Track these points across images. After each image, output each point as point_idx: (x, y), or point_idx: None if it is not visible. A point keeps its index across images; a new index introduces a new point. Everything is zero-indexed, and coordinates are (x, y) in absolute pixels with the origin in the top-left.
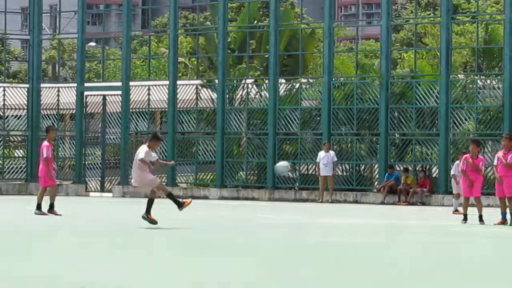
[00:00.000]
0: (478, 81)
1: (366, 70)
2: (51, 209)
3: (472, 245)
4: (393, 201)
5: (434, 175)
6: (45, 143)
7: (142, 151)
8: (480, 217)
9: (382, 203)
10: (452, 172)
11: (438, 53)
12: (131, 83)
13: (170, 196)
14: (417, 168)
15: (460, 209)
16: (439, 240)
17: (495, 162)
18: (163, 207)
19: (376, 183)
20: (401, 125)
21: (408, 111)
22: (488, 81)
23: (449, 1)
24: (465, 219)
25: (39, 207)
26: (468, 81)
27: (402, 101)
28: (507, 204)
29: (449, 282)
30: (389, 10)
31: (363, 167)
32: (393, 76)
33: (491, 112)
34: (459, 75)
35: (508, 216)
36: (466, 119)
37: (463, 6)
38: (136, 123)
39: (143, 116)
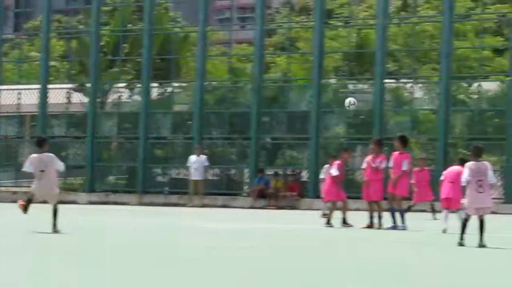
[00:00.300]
0: (350, 85)
1: (239, 74)
2: None
3: (329, 248)
4: (263, 205)
5: (304, 179)
6: None
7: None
8: (343, 220)
9: (252, 207)
10: (321, 176)
11: (311, 58)
12: (1, 87)
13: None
14: (287, 172)
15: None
16: (301, 245)
17: (363, 166)
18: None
19: (246, 187)
20: (272, 129)
21: (279, 115)
22: (360, 86)
23: (322, 6)
24: (329, 223)
25: None
26: (340, 85)
27: (274, 105)
28: (375, 207)
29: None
30: (263, 14)
31: (233, 171)
32: (265, 80)
33: (362, 117)
34: (330, 80)
35: (375, 220)
36: (337, 123)
37: (336, 11)
38: (5, 127)
39: (13, 120)
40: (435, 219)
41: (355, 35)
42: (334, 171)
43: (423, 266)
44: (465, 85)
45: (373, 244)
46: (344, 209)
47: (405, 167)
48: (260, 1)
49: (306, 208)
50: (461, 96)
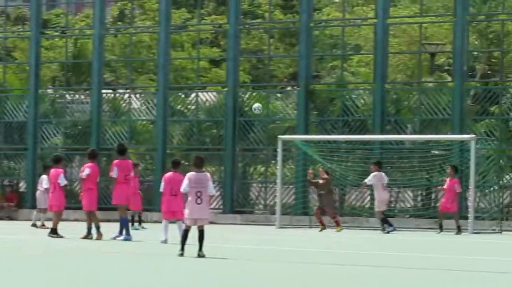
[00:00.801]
0: (67, 95)
1: None
2: None
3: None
4: None
5: (22, 190)
6: None
7: None
8: (53, 230)
9: None
10: (45, 186)
11: (27, 67)
12: None
13: None
14: (4, 183)
15: (46, 223)
16: (21, 255)
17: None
18: None
19: None
20: None
21: None
22: (77, 96)
23: (38, 16)
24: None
25: None
26: (57, 95)
27: None
28: (92, 218)
29: None
30: None
31: None
32: None
33: (80, 127)
34: (48, 90)
35: (93, 231)
36: (54, 134)
37: (53, 20)
38: None
39: None
40: (143, 228)
41: (71, 45)
42: (62, 181)
43: (142, 277)
44: (183, 95)
45: (103, 256)
46: (57, 219)
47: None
48: None
49: (25, 219)
50: (179, 107)
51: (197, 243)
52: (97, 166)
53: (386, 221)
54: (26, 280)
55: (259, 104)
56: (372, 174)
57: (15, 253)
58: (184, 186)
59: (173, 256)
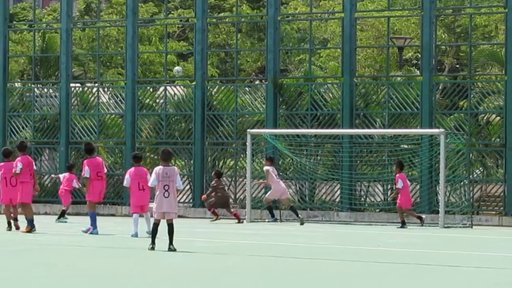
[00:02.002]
0: (36, 89)
1: None
2: None
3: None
4: None
5: None
6: None
7: None
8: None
9: None
10: None
11: None
12: None
13: None
14: None
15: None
16: None
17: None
18: None
19: None
20: None
21: None
22: (45, 90)
23: (6, 9)
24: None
25: None
26: (25, 89)
27: None
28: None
29: None
30: None
31: None
32: None
33: (48, 121)
34: (16, 83)
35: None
36: (23, 127)
37: (20, 14)
38: None
39: None
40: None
41: (39, 39)
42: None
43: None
44: (151, 89)
45: (75, 251)
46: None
47: (87, 174)
48: None
49: None
50: (148, 101)
51: (167, 237)
52: (29, 157)
53: (271, 211)
54: None
55: (179, 68)
56: (265, 168)
57: None
58: (152, 180)
59: (144, 250)
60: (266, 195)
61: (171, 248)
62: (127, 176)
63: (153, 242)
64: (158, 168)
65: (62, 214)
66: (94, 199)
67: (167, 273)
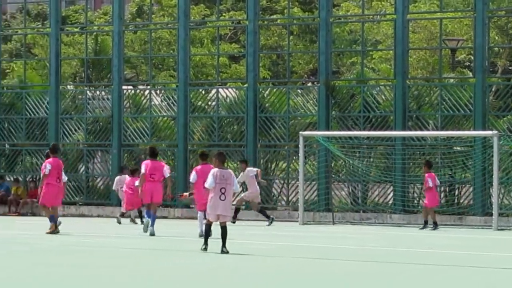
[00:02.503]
0: (88, 91)
1: None
2: None
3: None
4: (3, 212)
5: None
6: None
7: None
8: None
9: None
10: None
11: (48, 64)
12: None
13: None
14: (27, 179)
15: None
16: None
17: None
18: None
19: None
20: (11, 136)
21: (18, 122)
22: (98, 92)
23: (58, 12)
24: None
25: None
26: (78, 91)
27: (12, 112)
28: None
29: None
30: None
31: None
32: (2, 86)
33: (101, 123)
34: (68, 86)
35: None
36: (76, 130)
37: (72, 17)
38: None
39: None
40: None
41: (92, 41)
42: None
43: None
44: (203, 92)
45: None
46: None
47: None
48: None
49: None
50: (200, 103)
51: (217, 239)
52: (59, 160)
53: (265, 213)
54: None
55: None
56: (241, 174)
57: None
58: (210, 182)
59: (196, 251)
60: (242, 195)
61: (224, 251)
62: (193, 172)
63: (205, 243)
64: (216, 170)
65: (138, 215)
66: (146, 201)
67: (224, 274)
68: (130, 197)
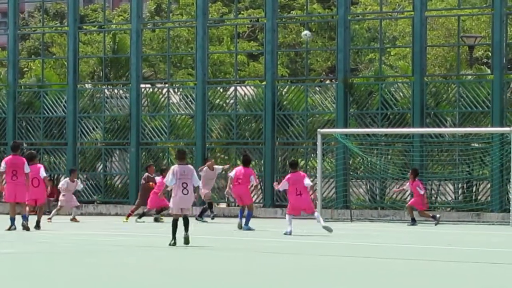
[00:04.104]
0: (106, 90)
1: None
2: None
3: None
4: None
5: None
6: None
7: None
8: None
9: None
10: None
11: (66, 63)
12: None
13: None
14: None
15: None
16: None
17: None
18: None
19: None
20: (29, 135)
21: (36, 120)
22: (116, 91)
23: (76, 11)
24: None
25: None
26: (96, 90)
27: (29, 111)
28: None
29: None
30: (16, 19)
31: None
32: (20, 85)
33: (119, 122)
34: (86, 85)
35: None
36: (93, 128)
37: (90, 15)
38: None
39: None
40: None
41: (110, 40)
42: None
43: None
44: (221, 90)
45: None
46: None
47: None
48: (12, 5)
49: (65, 214)
50: (218, 101)
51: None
52: (18, 158)
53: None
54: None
55: (308, 32)
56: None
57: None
58: (170, 179)
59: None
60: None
61: (185, 236)
62: (284, 181)
63: (174, 238)
64: (176, 167)
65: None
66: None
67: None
68: (154, 196)
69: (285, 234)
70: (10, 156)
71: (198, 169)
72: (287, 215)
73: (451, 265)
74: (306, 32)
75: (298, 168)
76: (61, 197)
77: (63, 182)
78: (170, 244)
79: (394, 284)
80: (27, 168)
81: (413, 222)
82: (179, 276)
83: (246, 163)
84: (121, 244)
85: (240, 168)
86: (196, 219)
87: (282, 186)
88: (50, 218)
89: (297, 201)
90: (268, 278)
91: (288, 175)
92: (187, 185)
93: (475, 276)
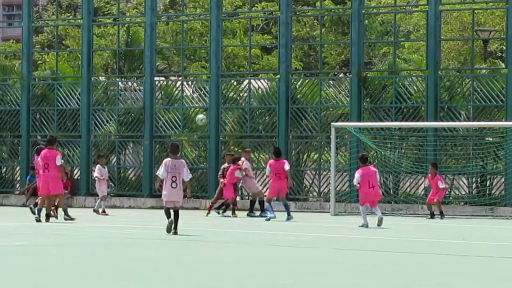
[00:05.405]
0: (120, 83)
1: (7, 72)
2: None
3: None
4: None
5: (76, 177)
6: None
7: None
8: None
9: (24, 205)
10: (95, 175)
11: (80, 55)
12: None
13: None
14: None
15: (106, 210)
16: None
17: None
18: None
19: (18, 185)
20: (43, 127)
21: (49, 113)
22: (130, 83)
23: (90, 4)
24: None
25: None
26: (109, 83)
27: (43, 103)
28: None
29: None
30: (30, 11)
31: (4, 169)
32: (34, 78)
33: (132, 114)
34: (100, 77)
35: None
36: (107, 121)
37: (104, 8)
38: None
39: None
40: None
41: (124, 33)
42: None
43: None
44: (235, 83)
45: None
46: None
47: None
48: None
49: (79, 206)
50: (231, 94)
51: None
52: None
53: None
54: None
55: (203, 116)
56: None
57: (65, 239)
58: (162, 172)
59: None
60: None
61: (175, 232)
62: (357, 175)
63: (168, 217)
64: (168, 160)
65: (225, 207)
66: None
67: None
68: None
69: (360, 226)
70: (45, 150)
71: (236, 165)
72: (360, 207)
73: (464, 260)
74: (200, 116)
75: (368, 162)
76: (98, 186)
77: (97, 169)
78: (168, 224)
79: (406, 278)
80: (58, 161)
81: (441, 215)
82: (196, 268)
83: (278, 155)
84: (149, 237)
85: (273, 162)
86: (259, 215)
87: (355, 180)
88: (104, 211)
89: (369, 194)
90: (278, 271)
91: (360, 169)
92: (176, 179)
93: (488, 270)
